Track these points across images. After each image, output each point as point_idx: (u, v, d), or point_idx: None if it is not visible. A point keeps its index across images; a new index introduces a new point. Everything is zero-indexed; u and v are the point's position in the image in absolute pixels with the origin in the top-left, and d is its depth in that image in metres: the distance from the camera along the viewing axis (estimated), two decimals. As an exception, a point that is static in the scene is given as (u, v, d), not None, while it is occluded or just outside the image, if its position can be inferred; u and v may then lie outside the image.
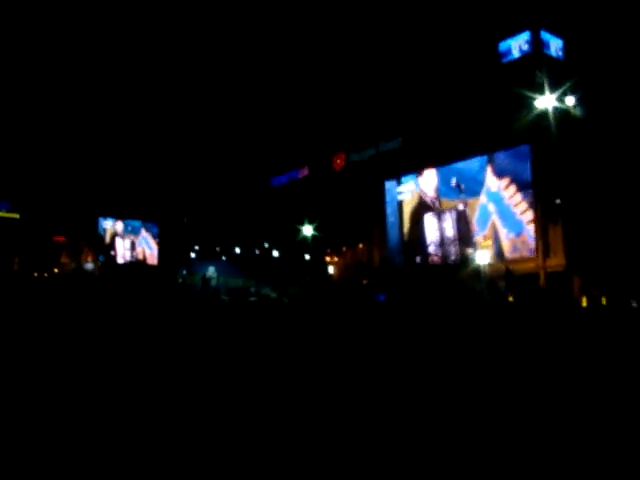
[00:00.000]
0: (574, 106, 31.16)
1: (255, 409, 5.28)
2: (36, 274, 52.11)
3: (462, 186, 40.15)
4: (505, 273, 25.99)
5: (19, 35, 56.13)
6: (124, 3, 58.11)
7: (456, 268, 36.83)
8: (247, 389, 6.26)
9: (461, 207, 40.32)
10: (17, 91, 56.25)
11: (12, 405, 5.25)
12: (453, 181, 41.04)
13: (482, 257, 34.84)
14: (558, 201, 34.02)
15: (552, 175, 33.38)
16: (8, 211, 58.97)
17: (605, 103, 32.08)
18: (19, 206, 58.88)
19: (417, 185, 44.39)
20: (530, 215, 35.50)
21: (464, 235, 39.98)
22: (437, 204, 42.47)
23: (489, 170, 38.48)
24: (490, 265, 33.84)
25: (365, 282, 41.25)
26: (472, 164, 39.76)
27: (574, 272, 32.30)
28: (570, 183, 32.38)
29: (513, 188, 36.48)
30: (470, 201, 39.65)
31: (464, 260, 37.93)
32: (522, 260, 34.84)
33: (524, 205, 35.89)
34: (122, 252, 62.59)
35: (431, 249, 42.46)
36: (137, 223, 63.79)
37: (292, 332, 12.33)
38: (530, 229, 35.42)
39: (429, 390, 6.26)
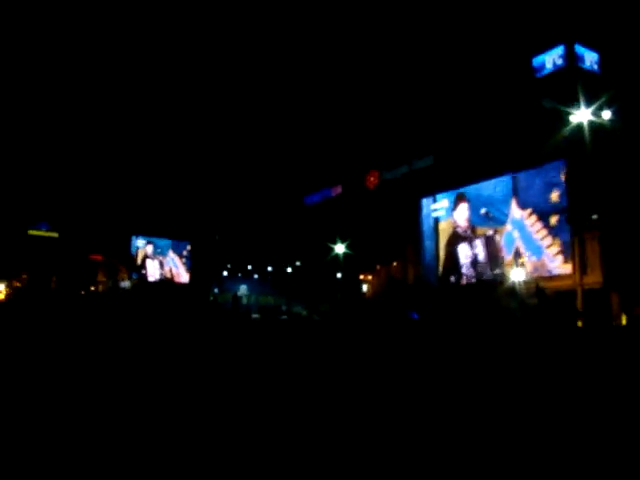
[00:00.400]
0: (610, 120, 30.65)
1: (281, 426, 5.23)
2: (73, 292, 52.86)
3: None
4: (536, 290, 25.49)
5: (54, 53, 57.48)
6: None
7: (490, 286, 36.29)
8: (273, 405, 6.22)
9: (490, 233, 41.48)
10: (55, 113, 57.55)
11: (45, 417, 5.32)
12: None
13: (517, 274, 34.33)
14: (595, 216, 33.42)
15: (588, 190, 32.82)
16: (47, 231, 60.14)
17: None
18: (57, 226, 60.01)
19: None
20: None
21: (494, 257, 40.80)
22: (469, 232, 43.32)
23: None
24: (525, 282, 33.27)
25: (399, 300, 41.00)
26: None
27: (612, 289, 31.60)
28: (606, 198, 31.79)
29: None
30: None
31: (498, 278, 37.51)
32: (559, 278, 34.24)
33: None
34: (152, 271, 63.26)
35: (464, 270, 42.36)
36: (164, 243, 64.29)
37: (321, 349, 12.24)
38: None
39: (457, 408, 6.15)
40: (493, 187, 40.82)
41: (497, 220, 40.46)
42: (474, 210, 42.75)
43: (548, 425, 5.32)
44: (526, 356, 10.36)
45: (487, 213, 41.49)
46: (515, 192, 39.09)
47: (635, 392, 7.05)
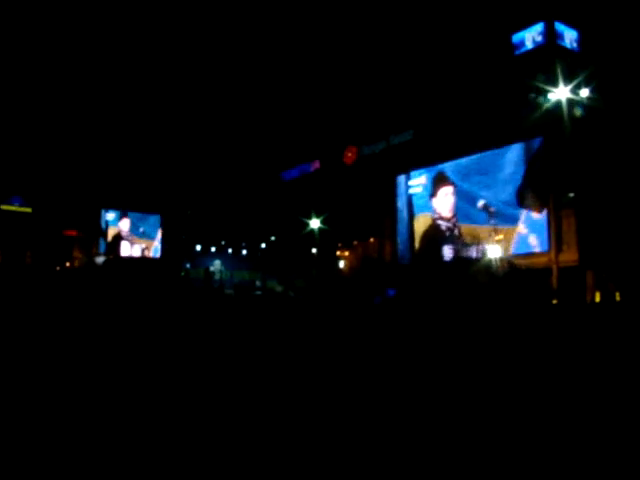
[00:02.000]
0: (588, 98, 30.64)
1: (256, 405, 5.12)
2: (48, 267, 52.25)
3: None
4: (507, 268, 25.54)
5: (23, 33, 56.26)
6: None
7: (466, 263, 36.32)
8: (248, 384, 6.11)
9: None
10: (25, 89, 56.45)
11: (14, 399, 5.24)
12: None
13: (493, 251, 34.35)
14: (571, 194, 33.55)
15: (565, 168, 32.89)
16: (20, 205, 59.23)
17: (620, 95, 31.56)
18: (31, 200, 59.14)
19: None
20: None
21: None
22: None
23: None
24: (501, 260, 33.32)
25: (375, 276, 40.97)
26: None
27: (587, 267, 31.82)
28: (583, 176, 31.89)
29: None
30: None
31: (475, 255, 37.48)
32: (534, 255, 34.38)
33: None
34: (125, 251, 62.39)
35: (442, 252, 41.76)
36: (150, 220, 63.26)
37: (297, 326, 12.12)
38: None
39: (432, 386, 6.07)
40: (477, 162, 39.93)
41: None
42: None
43: (524, 404, 5.24)
44: (499, 334, 10.31)
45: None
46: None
47: (608, 367, 7.01)
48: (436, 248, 41.76)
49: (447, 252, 40.75)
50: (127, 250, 62.49)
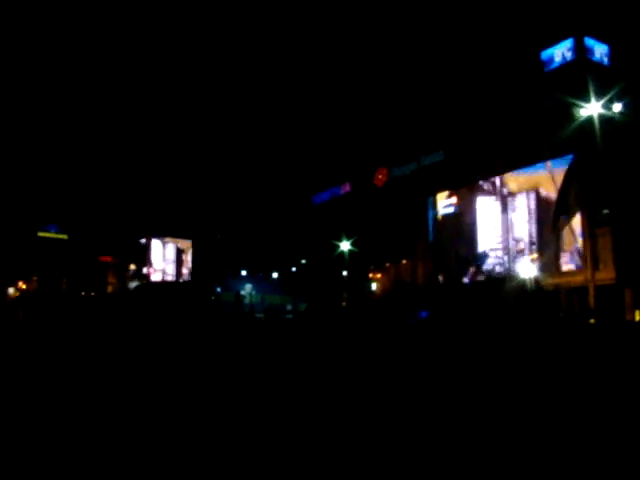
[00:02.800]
0: (620, 113, 30.14)
1: (285, 427, 5.10)
2: (83, 293, 52.87)
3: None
4: (534, 287, 25.00)
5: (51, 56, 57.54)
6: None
7: (500, 283, 35.75)
8: (279, 404, 6.07)
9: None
10: (63, 118, 57.77)
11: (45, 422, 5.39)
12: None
13: (528, 270, 33.79)
14: (606, 211, 32.92)
15: (599, 184, 32.32)
16: (57, 232, 60.31)
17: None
18: (67, 227, 60.21)
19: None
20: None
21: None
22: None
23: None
24: (535, 279, 32.74)
25: (407, 298, 40.61)
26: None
27: (625, 285, 31.09)
28: (617, 193, 31.30)
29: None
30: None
31: (509, 275, 36.88)
32: (571, 274, 33.76)
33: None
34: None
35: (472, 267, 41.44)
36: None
37: (326, 347, 12.00)
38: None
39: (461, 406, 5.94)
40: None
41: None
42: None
43: (554, 422, 5.11)
44: (531, 354, 10.07)
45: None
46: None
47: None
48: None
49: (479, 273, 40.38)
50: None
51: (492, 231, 40.39)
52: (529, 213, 37.70)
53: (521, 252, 37.86)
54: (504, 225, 39.55)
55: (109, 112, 59.54)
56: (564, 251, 35.01)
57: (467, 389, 7.14)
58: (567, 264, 34.74)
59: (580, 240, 33.88)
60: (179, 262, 64.67)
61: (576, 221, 34.37)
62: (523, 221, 38.10)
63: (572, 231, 34.53)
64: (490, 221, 40.62)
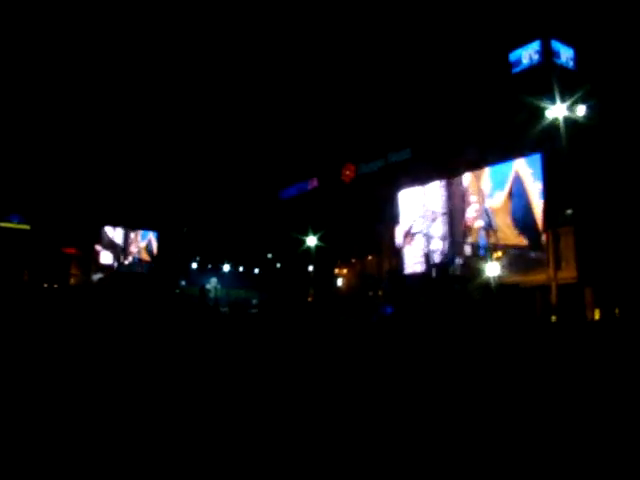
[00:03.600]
0: (585, 115, 30.64)
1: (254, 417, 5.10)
2: (46, 285, 51.98)
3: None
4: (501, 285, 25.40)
5: (28, 43, 56.50)
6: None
7: (463, 280, 36.15)
8: (245, 396, 6.07)
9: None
10: (24, 106, 56.64)
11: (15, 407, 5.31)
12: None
13: (492, 269, 34.18)
14: (569, 211, 33.47)
15: (563, 185, 32.84)
16: (19, 223, 59.14)
17: (617, 112, 31.59)
18: (30, 218, 59.07)
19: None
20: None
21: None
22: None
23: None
24: (500, 277, 33.18)
25: (372, 294, 40.81)
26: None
27: (586, 284, 31.65)
28: (581, 193, 31.83)
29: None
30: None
31: (474, 272, 37.29)
32: (534, 272, 34.25)
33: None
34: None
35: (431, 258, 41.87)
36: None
37: (292, 342, 12.00)
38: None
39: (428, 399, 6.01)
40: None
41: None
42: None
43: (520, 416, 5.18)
44: (496, 350, 10.19)
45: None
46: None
47: (608, 383, 6.90)
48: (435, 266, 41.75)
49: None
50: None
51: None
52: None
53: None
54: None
55: (70, 99, 58.39)
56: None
57: (427, 384, 7.21)
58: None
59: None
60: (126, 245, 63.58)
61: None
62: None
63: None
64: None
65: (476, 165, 39.17)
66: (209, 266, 59.75)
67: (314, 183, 56.22)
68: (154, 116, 60.39)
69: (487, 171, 38.82)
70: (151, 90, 60.49)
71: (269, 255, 59.34)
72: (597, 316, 29.68)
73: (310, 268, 51.52)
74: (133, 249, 63.46)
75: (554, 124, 30.65)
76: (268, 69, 63.25)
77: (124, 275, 58.92)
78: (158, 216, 61.27)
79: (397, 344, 12.11)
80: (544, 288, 33.17)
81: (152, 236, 64.02)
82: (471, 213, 39.73)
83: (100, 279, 57.10)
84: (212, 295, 44.80)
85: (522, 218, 36.15)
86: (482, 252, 37.92)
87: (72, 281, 58.43)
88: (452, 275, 38.79)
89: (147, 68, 60.95)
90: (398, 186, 46.02)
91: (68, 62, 58.24)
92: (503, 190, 37.56)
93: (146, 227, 63.32)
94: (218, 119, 62.66)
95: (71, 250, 60.56)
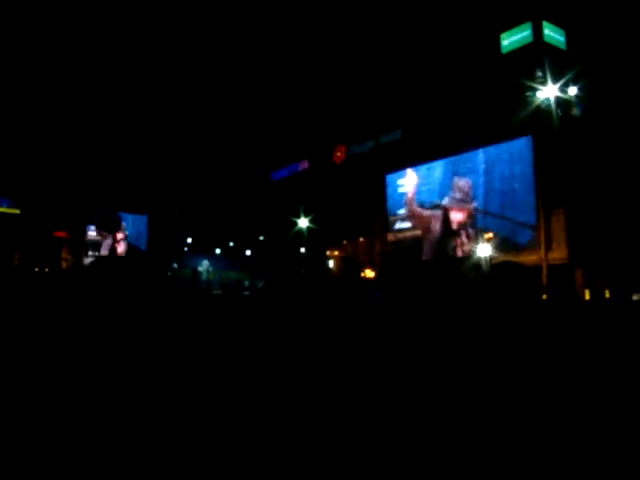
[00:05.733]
0: (577, 97, 30.70)
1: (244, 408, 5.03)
2: (37, 269, 51.81)
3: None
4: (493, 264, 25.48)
5: (17, 33, 55.87)
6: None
7: (455, 262, 36.38)
8: (238, 383, 6.00)
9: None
10: (16, 90, 56.09)
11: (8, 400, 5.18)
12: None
13: (483, 250, 34.40)
14: (561, 193, 33.64)
15: (554, 166, 32.98)
16: (9, 207, 58.78)
17: (608, 93, 31.65)
18: (20, 202, 58.69)
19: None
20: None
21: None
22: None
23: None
24: (492, 258, 33.38)
25: (360, 277, 40.78)
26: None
27: (577, 265, 31.90)
28: (572, 174, 31.97)
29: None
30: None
31: (466, 254, 37.54)
32: (525, 253, 34.45)
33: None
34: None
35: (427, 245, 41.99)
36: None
37: (284, 325, 11.98)
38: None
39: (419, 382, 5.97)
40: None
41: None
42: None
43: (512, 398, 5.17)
44: (487, 329, 10.23)
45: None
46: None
47: (597, 363, 6.95)
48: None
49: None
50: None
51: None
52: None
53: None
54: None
55: (60, 84, 57.86)
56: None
57: (422, 366, 7.21)
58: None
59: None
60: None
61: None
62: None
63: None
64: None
65: (468, 146, 39.20)
66: (201, 248, 59.65)
67: (305, 164, 56.09)
68: (143, 99, 59.96)
69: (478, 153, 38.88)
70: (139, 73, 59.93)
71: (261, 237, 59.28)
72: (587, 296, 29.92)
73: (302, 250, 51.59)
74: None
75: (545, 106, 30.75)
76: (257, 50, 62.76)
77: (114, 259, 58.57)
78: (149, 199, 60.95)
79: (391, 324, 12.13)
80: (535, 268, 33.39)
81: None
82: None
83: (92, 263, 56.78)
84: (204, 277, 44.85)
85: (513, 199, 36.28)
86: (473, 233, 38.08)
87: (63, 265, 58.23)
88: (446, 256, 39.04)
89: (129, 48, 60.30)
90: (389, 167, 46.03)
91: (49, 47, 57.61)
92: (495, 171, 37.69)
93: (137, 211, 62.95)
94: (208, 101, 62.30)
95: (62, 234, 60.25)
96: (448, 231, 40.77)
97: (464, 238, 39.25)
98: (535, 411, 4.84)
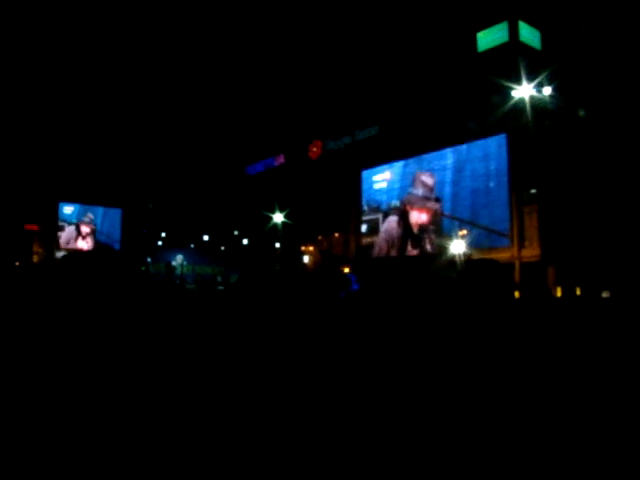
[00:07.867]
0: (551, 96, 31.01)
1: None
2: (17, 264, 50.96)
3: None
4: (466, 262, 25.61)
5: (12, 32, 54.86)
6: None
7: (430, 258, 36.58)
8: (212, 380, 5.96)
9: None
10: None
11: None
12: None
13: (457, 246, 34.64)
14: (534, 191, 33.99)
15: (528, 164, 33.34)
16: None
17: (582, 93, 32.02)
18: (-9, 195, 57.64)
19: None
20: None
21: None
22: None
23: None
24: (465, 255, 33.62)
25: (338, 271, 40.83)
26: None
27: (549, 262, 32.28)
28: (546, 173, 32.32)
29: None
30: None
31: (440, 250, 37.73)
32: (497, 250, 34.76)
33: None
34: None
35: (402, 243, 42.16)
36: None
37: (257, 320, 11.94)
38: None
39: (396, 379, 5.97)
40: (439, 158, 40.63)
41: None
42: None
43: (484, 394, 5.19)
44: (462, 325, 10.30)
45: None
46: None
47: (567, 359, 7.03)
48: (399, 243, 42.04)
49: (409, 247, 41.08)
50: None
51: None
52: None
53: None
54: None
55: (31, 73, 56.94)
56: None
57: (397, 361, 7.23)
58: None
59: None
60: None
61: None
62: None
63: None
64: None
65: (443, 144, 39.44)
66: (175, 243, 59.28)
67: (281, 159, 55.97)
68: (118, 90, 59.31)
69: (454, 150, 39.16)
70: (113, 65, 59.25)
71: (235, 232, 59.06)
72: (559, 294, 30.26)
73: (277, 245, 51.54)
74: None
75: (520, 104, 31.02)
76: (234, 44, 62.43)
77: (88, 252, 57.97)
78: (123, 192, 60.36)
79: (367, 319, 12.16)
80: (508, 266, 33.70)
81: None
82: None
83: (63, 257, 56.10)
84: (178, 272, 44.61)
85: (487, 197, 36.60)
86: (447, 230, 38.32)
87: (35, 259, 57.43)
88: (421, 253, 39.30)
89: (107, 41, 59.60)
90: (365, 163, 46.17)
91: (31, 38, 56.74)
92: (467, 169, 38.01)
93: (110, 204, 62.28)
94: (183, 93, 61.83)
95: (33, 227, 59.36)
96: (407, 235, 40.98)
97: (427, 245, 39.39)
98: (509, 403, 4.88)
